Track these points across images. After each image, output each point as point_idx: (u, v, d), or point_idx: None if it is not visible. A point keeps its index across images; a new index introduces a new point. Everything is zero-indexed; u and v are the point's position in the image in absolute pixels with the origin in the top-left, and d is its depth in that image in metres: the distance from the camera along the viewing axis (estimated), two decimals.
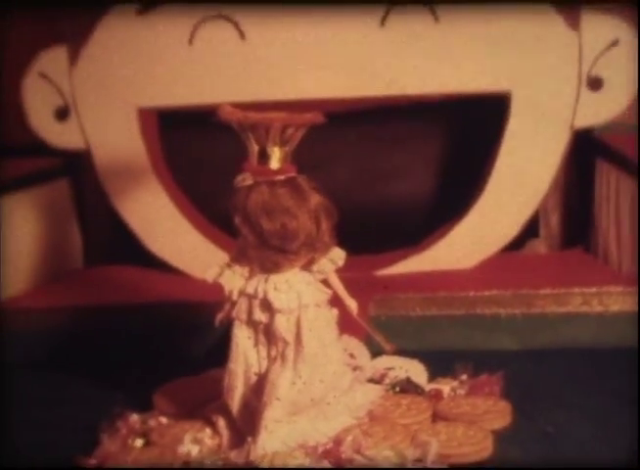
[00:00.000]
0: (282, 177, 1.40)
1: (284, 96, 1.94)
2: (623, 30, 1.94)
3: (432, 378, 1.64)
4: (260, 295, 1.42)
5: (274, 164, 1.40)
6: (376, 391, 1.57)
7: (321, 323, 1.43)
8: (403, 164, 2.18)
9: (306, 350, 1.41)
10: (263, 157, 1.39)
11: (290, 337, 1.42)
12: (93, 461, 1.42)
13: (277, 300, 1.41)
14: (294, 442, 1.41)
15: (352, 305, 1.49)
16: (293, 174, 1.41)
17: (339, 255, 1.45)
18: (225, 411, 1.48)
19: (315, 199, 1.40)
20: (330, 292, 1.46)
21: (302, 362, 1.42)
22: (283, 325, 1.42)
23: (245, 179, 1.40)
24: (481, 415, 1.50)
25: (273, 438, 1.40)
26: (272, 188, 1.38)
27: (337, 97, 1.95)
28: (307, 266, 1.44)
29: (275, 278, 1.42)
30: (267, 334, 1.44)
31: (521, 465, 1.40)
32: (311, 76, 1.95)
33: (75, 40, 2.00)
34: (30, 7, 2.09)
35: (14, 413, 1.63)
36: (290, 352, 1.42)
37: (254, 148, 1.40)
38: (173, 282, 2.04)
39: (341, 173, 2.13)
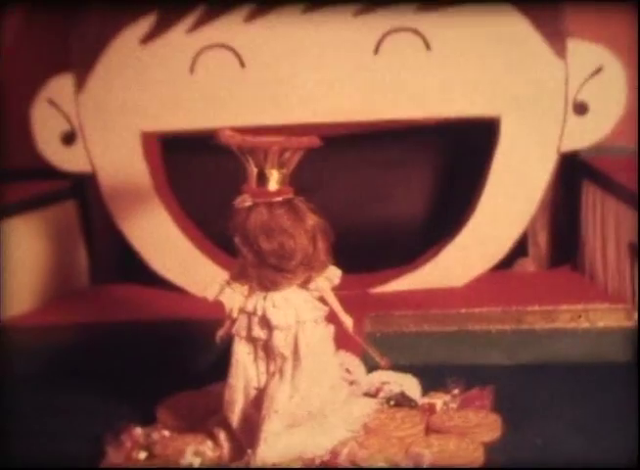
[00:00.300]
0: (280, 199, 1.42)
1: (282, 121, 1.97)
2: (607, 58, 1.97)
3: (425, 392, 1.66)
4: (259, 312, 1.44)
5: (272, 185, 1.42)
6: (371, 404, 1.58)
7: (318, 339, 1.45)
8: (396, 186, 2.19)
9: (304, 364, 1.43)
10: (262, 179, 1.42)
11: (287, 352, 1.44)
12: None
13: (275, 317, 1.43)
14: (292, 454, 1.43)
15: (348, 321, 1.50)
16: (290, 196, 1.43)
17: (335, 273, 1.48)
18: (226, 424, 1.49)
19: (312, 219, 1.43)
20: (326, 309, 1.47)
21: (300, 377, 1.44)
22: (281, 341, 1.44)
23: (244, 200, 1.42)
24: (473, 428, 1.52)
25: (272, 450, 1.42)
26: (270, 209, 1.41)
27: (333, 122, 1.97)
28: (305, 284, 1.47)
29: (273, 296, 1.44)
30: (266, 350, 1.46)
31: None
32: (307, 102, 1.97)
33: (82, 68, 2.02)
34: (40, 35, 2.14)
35: (20, 427, 1.65)
36: (288, 367, 1.44)
37: (253, 170, 1.42)
38: (176, 300, 2.05)
39: (336, 195, 2.14)
